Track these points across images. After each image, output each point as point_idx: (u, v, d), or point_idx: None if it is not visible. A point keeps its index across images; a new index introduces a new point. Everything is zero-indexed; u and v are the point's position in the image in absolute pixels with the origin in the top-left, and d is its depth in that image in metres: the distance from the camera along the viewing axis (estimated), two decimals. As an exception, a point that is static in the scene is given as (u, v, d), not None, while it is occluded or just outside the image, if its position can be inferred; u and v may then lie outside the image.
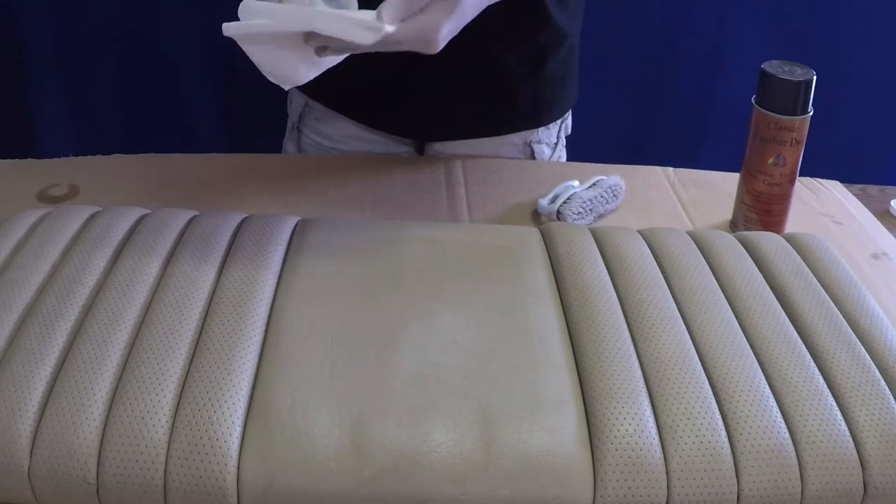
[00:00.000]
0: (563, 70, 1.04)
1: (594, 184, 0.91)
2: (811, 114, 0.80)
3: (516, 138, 1.07)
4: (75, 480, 0.50)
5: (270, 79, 0.65)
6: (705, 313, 0.63)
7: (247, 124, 1.51)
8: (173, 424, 0.52)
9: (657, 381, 0.56)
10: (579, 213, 0.87)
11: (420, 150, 1.10)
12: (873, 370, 0.58)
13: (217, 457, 0.51)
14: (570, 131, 1.11)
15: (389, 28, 0.62)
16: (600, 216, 0.90)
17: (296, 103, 1.09)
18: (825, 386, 0.57)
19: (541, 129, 1.07)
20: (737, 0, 1.56)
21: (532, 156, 1.08)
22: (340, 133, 1.05)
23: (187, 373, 0.55)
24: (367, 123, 1.05)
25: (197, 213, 0.73)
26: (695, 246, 0.72)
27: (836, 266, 0.71)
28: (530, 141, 1.08)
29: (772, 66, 0.80)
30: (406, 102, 1.02)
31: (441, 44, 0.64)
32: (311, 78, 0.66)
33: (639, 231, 0.76)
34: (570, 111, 1.11)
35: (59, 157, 0.94)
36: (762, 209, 0.83)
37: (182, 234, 0.69)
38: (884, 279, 0.82)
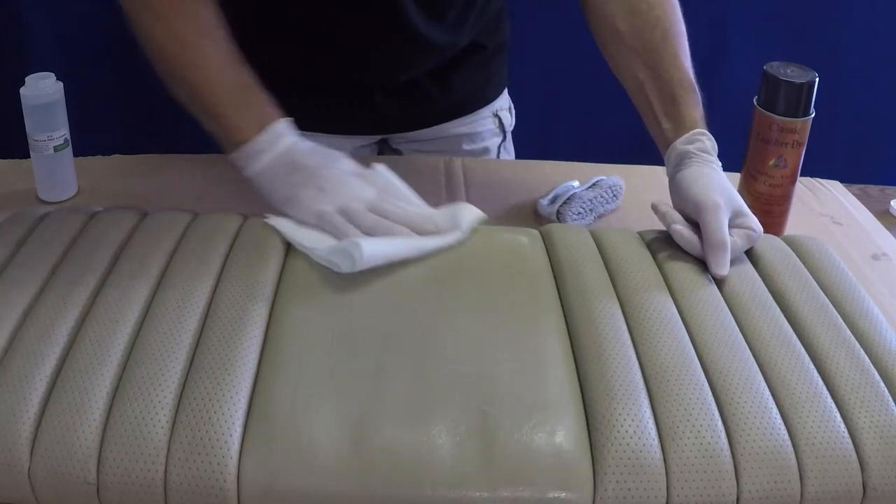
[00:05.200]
0: (507, 32, 1.11)
1: (594, 184, 0.91)
2: (813, 115, 0.80)
3: (486, 111, 1.10)
4: (76, 481, 0.50)
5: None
6: (705, 316, 0.63)
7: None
8: (174, 425, 0.52)
9: (657, 383, 0.56)
10: (579, 213, 0.87)
11: (381, 151, 1.11)
12: (872, 372, 0.58)
13: (217, 457, 0.51)
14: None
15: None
16: (600, 216, 0.90)
17: None
18: (824, 388, 0.57)
19: (502, 97, 1.12)
20: (737, 0, 1.56)
21: (501, 125, 1.12)
22: None
23: (188, 373, 0.55)
24: (341, 132, 1.05)
25: (197, 213, 0.73)
26: (695, 247, 0.72)
27: (835, 268, 0.71)
28: (497, 111, 1.11)
29: (774, 68, 0.80)
30: (378, 100, 1.03)
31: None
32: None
33: (639, 233, 0.76)
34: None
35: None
36: (763, 210, 0.83)
37: (182, 235, 0.69)
38: (883, 280, 0.82)
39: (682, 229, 0.71)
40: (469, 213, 0.72)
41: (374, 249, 0.65)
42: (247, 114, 0.75)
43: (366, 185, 0.73)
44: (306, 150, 0.75)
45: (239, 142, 0.74)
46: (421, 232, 0.69)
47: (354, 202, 0.70)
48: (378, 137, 1.09)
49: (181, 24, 0.76)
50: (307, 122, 1.03)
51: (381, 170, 0.76)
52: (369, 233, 0.68)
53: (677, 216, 0.73)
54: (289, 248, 0.70)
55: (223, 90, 0.76)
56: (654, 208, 0.75)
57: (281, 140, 0.75)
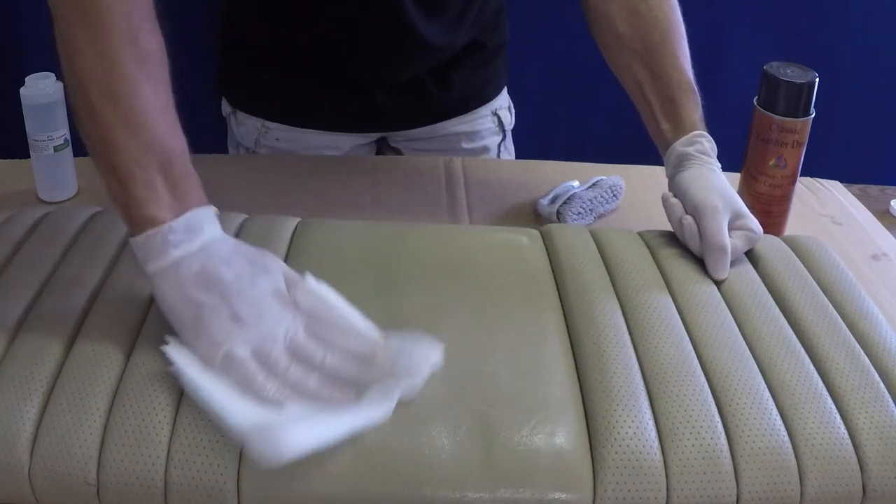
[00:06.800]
0: (506, 31, 1.10)
1: (594, 184, 0.91)
2: (813, 115, 0.80)
3: (485, 110, 1.10)
4: (76, 481, 0.50)
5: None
6: (705, 316, 0.63)
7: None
8: (174, 426, 0.52)
9: (657, 384, 0.56)
10: (579, 213, 0.87)
11: (379, 149, 1.11)
12: (872, 373, 0.58)
13: (218, 458, 0.51)
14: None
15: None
16: (600, 216, 0.90)
17: (248, 129, 1.06)
18: (824, 389, 0.57)
19: (501, 96, 1.11)
20: (737, 0, 1.56)
21: (500, 124, 1.11)
22: (302, 146, 1.05)
23: (188, 374, 0.55)
24: (340, 129, 1.05)
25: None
26: (695, 247, 0.72)
27: (835, 268, 0.71)
28: (496, 109, 1.11)
29: (774, 68, 0.80)
30: (378, 97, 1.03)
31: None
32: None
33: (638, 233, 0.76)
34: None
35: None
36: (762, 210, 0.83)
37: (182, 235, 0.69)
38: (883, 280, 0.82)
39: (691, 222, 0.71)
40: (425, 358, 0.56)
41: (293, 442, 0.50)
42: (166, 188, 0.57)
43: (291, 311, 0.57)
44: (226, 252, 0.58)
45: (145, 220, 0.56)
46: (357, 383, 0.55)
47: (274, 343, 0.55)
48: (377, 135, 1.09)
49: (119, 48, 0.57)
50: (306, 119, 1.03)
51: (311, 284, 0.60)
52: (292, 390, 0.54)
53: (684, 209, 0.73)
54: (290, 248, 0.70)
55: (145, 149, 0.57)
56: (664, 200, 0.75)
57: (199, 235, 0.57)
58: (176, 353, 0.54)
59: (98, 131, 0.57)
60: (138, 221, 0.56)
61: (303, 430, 0.51)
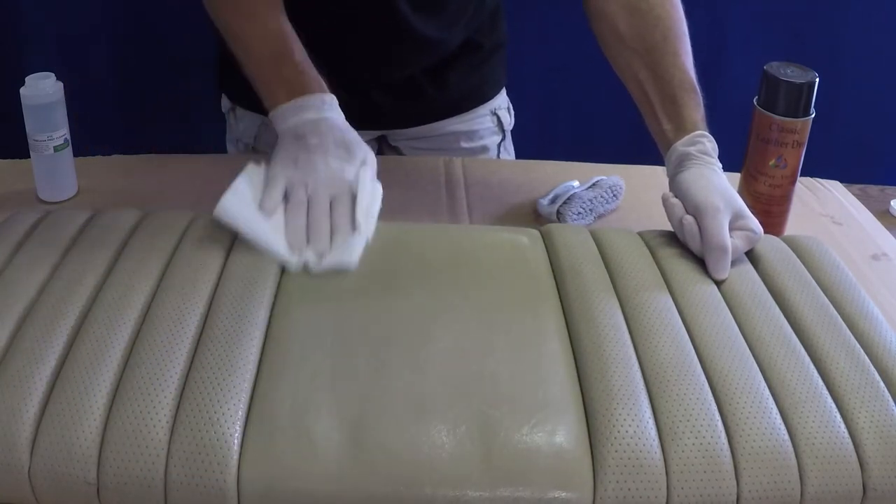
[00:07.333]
0: (504, 33, 1.10)
1: (594, 184, 0.91)
2: (813, 115, 0.80)
3: (484, 109, 1.10)
4: (76, 481, 0.50)
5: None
6: (705, 316, 0.63)
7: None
8: (174, 425, 0.52)
9: (657, 383, 0.56)
10: (579, 213, 0.87)
11: (379, 147, 1.11)
12: (872, 372, 0.58)
13: (218, 457, 0.51)
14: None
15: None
16: (600, 216, 0.90)
17: (247, 125, 1.06)
18: (824, 388, 0.57)
19: (500, 96, 1.12)
20: (737, 0, 1.56)
21: (500, 124, 1.12)
22: None
23: (188, 373, 0.55)
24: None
25: (197, 213, 0.73)
26: (695, 247, 0.72)
27: (835, 268, 0.71)
28: (495, 109, 1.11)
29: (774, 68, 0.80)
30: (375, 96, 1.03)
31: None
32: None
33: (638, 233, 0.76)
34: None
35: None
36: (762, 210, 0.83)
37: (182, 235, 0.69)
38: (883, 280, 0.82)
39: (691, 222, 0.71)
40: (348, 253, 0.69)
41: (232, 211, 0.69)
42: (280, 84, 0.80)
43: (335, 189, 0.73)
44: (325, 127, 0.77)
45: (269, 105, 0.80)
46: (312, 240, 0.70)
47: (301, 191, 0.72)
48: (376, 133, 1.09)
49: (227, 13, 0.85)
50: None
51: (367, 180, 0.75)
52: (288, 217, 0.71)
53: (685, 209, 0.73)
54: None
55: (263, 55, 0.83)
56: (664, 200, 0.75)
57: (308, 113, 0.78)
58: (235, 200, 0.71)
59: (235, 49, 0.86)
60: (268, 106, 0.81)
61: (239, 210, 0.70)
